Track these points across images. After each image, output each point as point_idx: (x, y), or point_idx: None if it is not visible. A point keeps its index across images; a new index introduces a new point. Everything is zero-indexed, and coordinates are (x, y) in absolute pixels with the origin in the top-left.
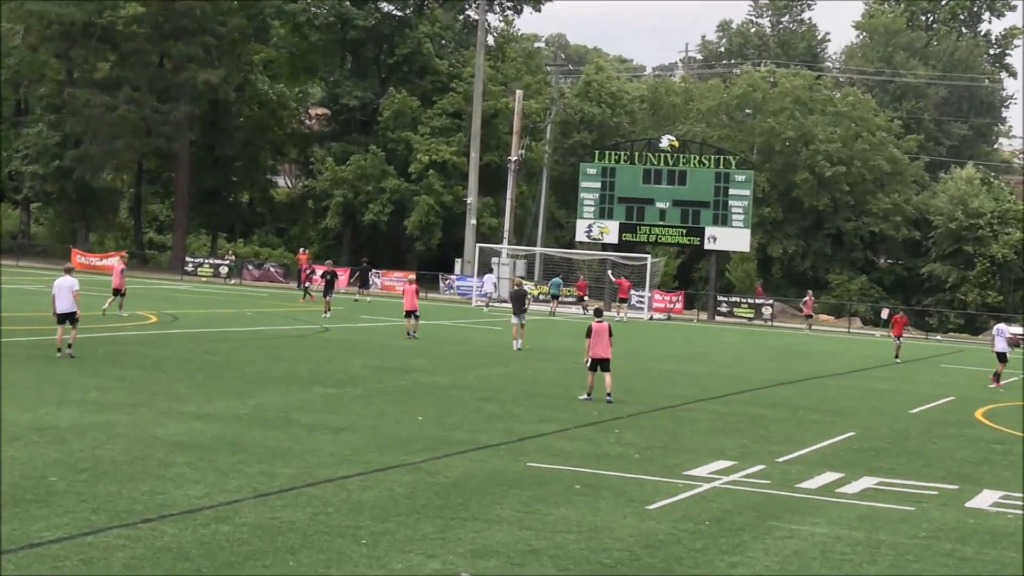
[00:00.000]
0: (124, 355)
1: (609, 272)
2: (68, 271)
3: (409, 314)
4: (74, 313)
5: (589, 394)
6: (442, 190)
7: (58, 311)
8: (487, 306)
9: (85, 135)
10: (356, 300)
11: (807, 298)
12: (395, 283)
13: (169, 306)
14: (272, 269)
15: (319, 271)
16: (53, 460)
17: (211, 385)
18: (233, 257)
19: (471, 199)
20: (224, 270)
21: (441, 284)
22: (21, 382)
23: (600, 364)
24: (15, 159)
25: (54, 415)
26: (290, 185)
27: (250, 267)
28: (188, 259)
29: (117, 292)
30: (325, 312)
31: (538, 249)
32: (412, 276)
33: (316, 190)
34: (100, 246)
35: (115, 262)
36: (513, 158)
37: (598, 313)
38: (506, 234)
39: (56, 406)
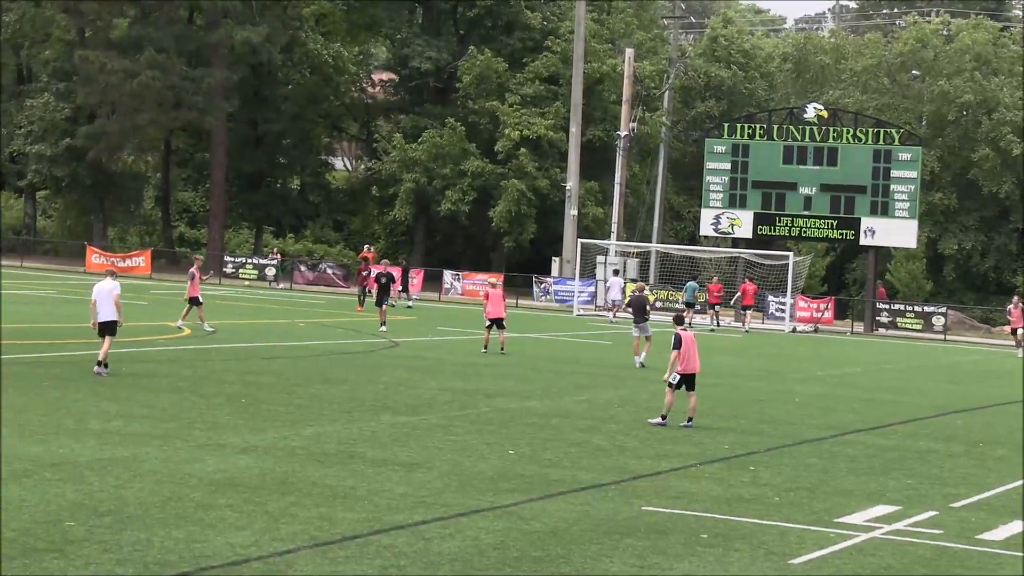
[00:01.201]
0: (153, 375)
1: (715, 277)
2: (111, 274)
3: (493, 324)
4: (115, 323)
5: (664, 417)
6: (536, 173)
7: (100, 320)
8: (613, 316)
9: (101, 107)
10: (409, 306)
11: (1015, 305)
12: (478, 287)
13: (205, 315)
14: (329, 270)
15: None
16: (70, 501)
17: (257, 412)
18: (280, 257)
19: (571, 184)
20: (271, 272)
21: (535, 288)
22: (31, 408)
23: (687, 381)
24: (17, 137)
25: (71, 448)
26: (350, 168)
27: (302, 268)
28: (227, 259)
29: (194, 302)
30: (381, 324)
31: (654, 246)
32: (497, 279)
33: (382, 174)
34: (121, 243)
35: (193, 268)
36: (623, 133)
37: (679, 320)
38: (614, 227)
39: (73, 437)
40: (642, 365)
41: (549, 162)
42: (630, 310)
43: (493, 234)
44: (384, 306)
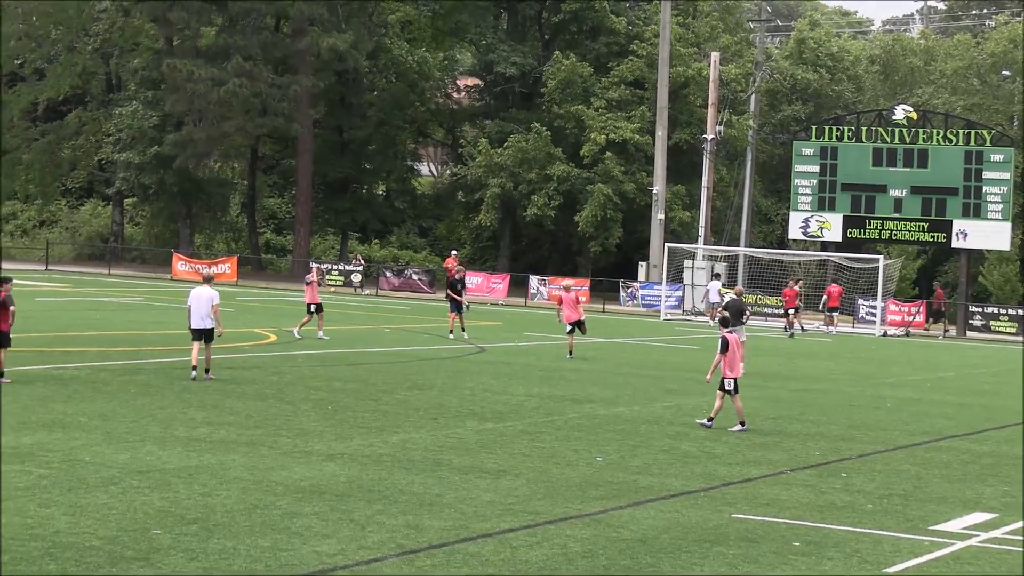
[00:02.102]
0: (239, 382)
1: (791, 281)
2: (207, 280)
3: (575, 327)
4: (212, 330)
5: (711, 419)
6: (622, 177)
7: (194, 325)
8: (712, 319)
9: (188, 115)
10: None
11: None
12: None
13: (291, 322)
14: (415, 276)
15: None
16: (157, 509)
17: (344, 419)
18: (363, 263)
19: (658, 188)
20: (356, 278)
21: (622, 293)
22: (118, 415)
23: (734, 385)
24: (106, 145)
25: (156, 455)
26: (435, 174)
27: (388, 274)
28: (313, 265)
29: (316, 308)
30: (451, 331)
31: (742, 249)
32: (569, 282)
33: (467, 179)
34: (207, 250)
35: (311, 275)
36: (709, 137)
37: (726, 322)
38: (702, 231)
39: (159, 444)
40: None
41: (635, 166)
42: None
43: (579, 239)
44: (458, 312)
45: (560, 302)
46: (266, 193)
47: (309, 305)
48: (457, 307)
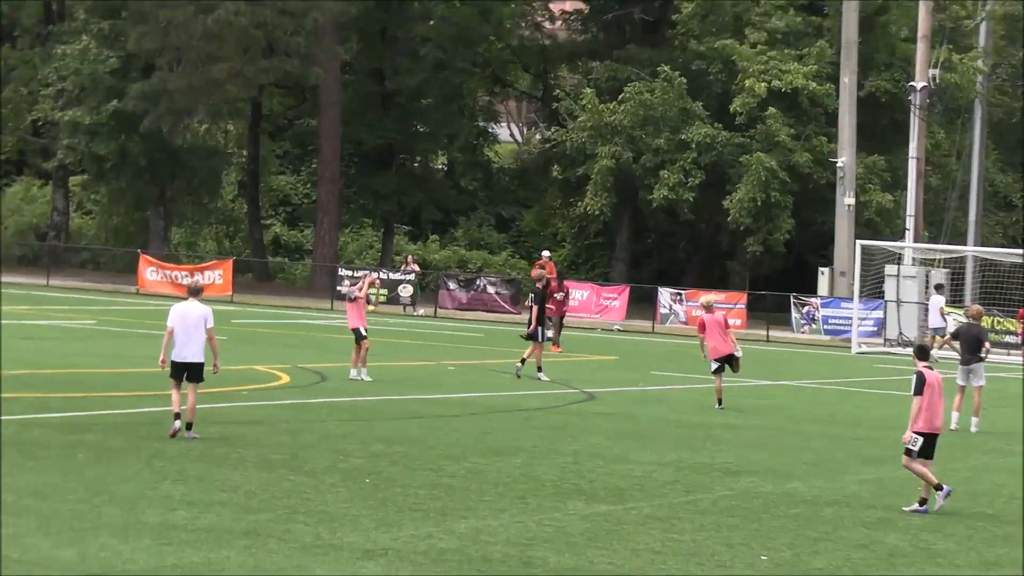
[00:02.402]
0: (235, 443)
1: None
2: (195, 293)
3: (723, 365)
4: (201, 365)
5: (923, 503)
6: (791, 144)
7: (176, 358)
8: (938, 347)
9: (161, 56)
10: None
11: None
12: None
13: (310, 355)
14: (491, 288)
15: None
16: None
17: (388, 497)
18: (417, 268)
19: (844, 159)
20: (406, 292)
21: (794, 314)
22: (59, 492)
23: (928, 444)
24: (43, 100)
25: (115, 551)
26: (519, 140)
27: (451, 285)
28: (342, 272)
29: (358, 336)
30: (536, 365)
31: (970, 249)
32: (712, 298)
33: (566, 147)
34: (189, 250)
35: (360, 284)
36: (919, 85)
37: (923, 354)
38: (910, 222)
39: (119, 535)
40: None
41: (811, 127)
42: (956, 344)
43: (731, 234)
44: (541, 338)
45: (702, 327)
46: (274, 168)
47: (356, 330)
48: (534, 336)
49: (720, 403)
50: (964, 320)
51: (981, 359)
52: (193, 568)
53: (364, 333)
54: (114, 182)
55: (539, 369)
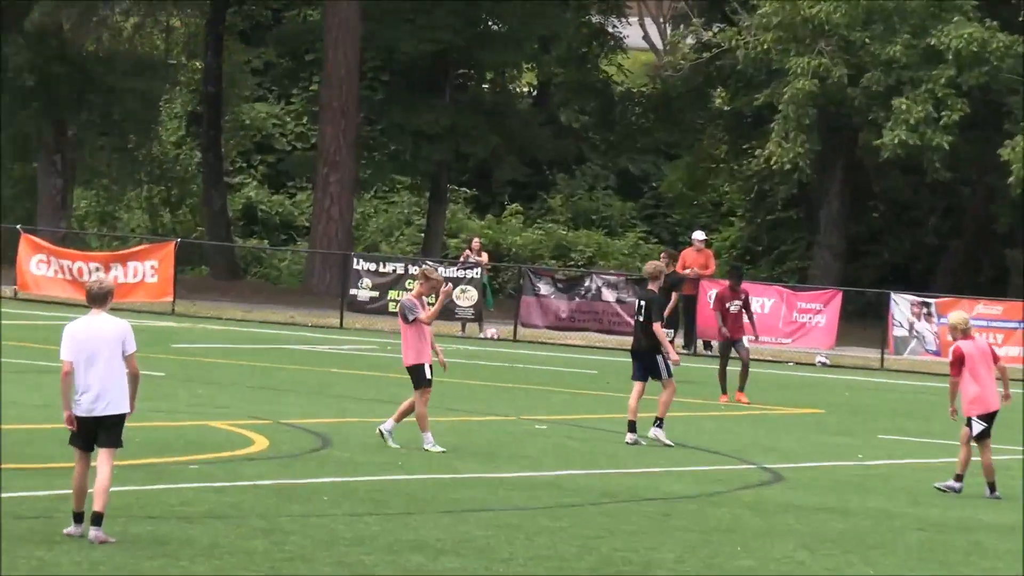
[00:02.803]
0: (176, 549)
1: None
2: (98, 299)
3: (985, 427)
4: (117, 420)
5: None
6: None
7: (82, 411)
8: None
9: None
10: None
11: None
12: (980, 331)
13: (303, 405)
14: (607, 293)
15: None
16: None
17: None
18: (485, 259)
19: None
20: (468, 299)
21: None
22: None
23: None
24: None
25: None
26: (660, 46)
27: (543, 289)
28: (358, 264)
29: (416, 377)
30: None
31: None
32: (963, 317)
33: (739, 60)
34: (106, 225)
35: (412, 295)
36: None
37: None
38: None
39: None
40: None
41: None
42: None
43: (1012, 204)
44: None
45: (959, 363)
46: (249, 92)
47: (418, 368)
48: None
49: (992, 490)
50: None
51: None
52: None
53: (429, 375)
54: None
55: (656, 423)
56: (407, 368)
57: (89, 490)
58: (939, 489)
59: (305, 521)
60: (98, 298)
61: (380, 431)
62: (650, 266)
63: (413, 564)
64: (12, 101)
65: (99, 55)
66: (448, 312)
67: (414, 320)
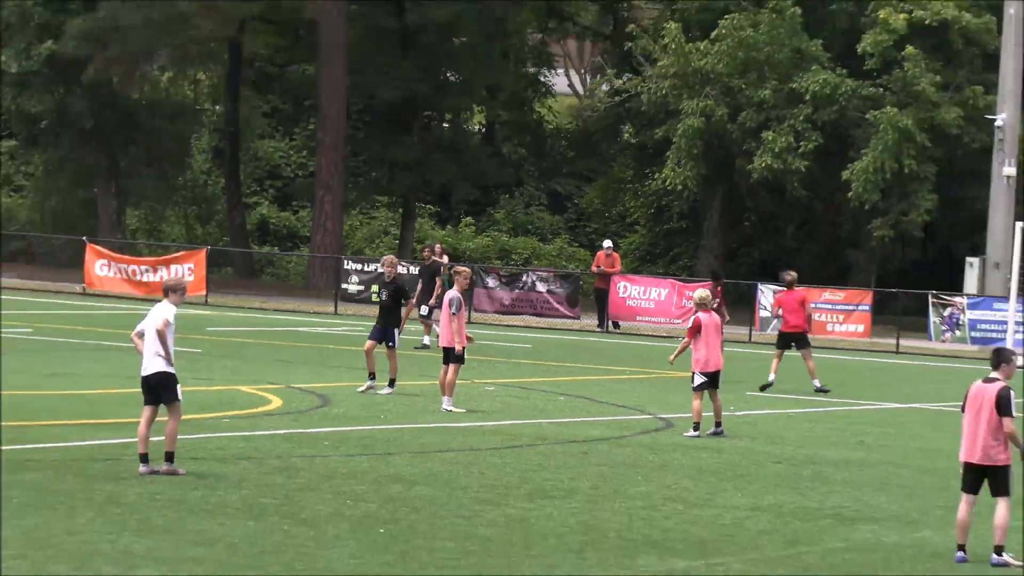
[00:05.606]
0: (214, 484)
1: None
2: (170, 291)
3: (710, 382)
4: (166, 377)
5: (696, 427)
6: (935, 95)
7: (142, 372)
8: None
9: None
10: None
11: None
12: (826, 313)
13: (308, 373)
14: (540, 287)
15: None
16: None
17: (409, 551)
18: (446, 260)
19: (1005, 116)
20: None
21: (933, 318)
22: None
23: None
24: None
25: None
26: (582, 92)
27: (489, 282)
28: (348, 264)
29: (452, 357)
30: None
31: None
32: (705, 293)
33: (642, 101)
34: (150, 237)
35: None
36: None
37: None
38: None
39: None
40: None
41: (962, 74)
42: None
43: (853, 215)
44: (390, 345)
45: (696, 330)
46: (260, 131)
47: (450, 349)
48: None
49: (697, 428)
50: None
51: None
52: None
53: (461, 355)
54: (51, 150)
55: (389, 384)
56: (443, 348)
57: (157, 437)
58: (687, 436)
59: (311, 460)
60: (170, 289)
61: (445, 408)
62: (387, 261)
63: (394, 492)
64: (75, 140)
65: (142, 102)
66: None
67: (457, 312)
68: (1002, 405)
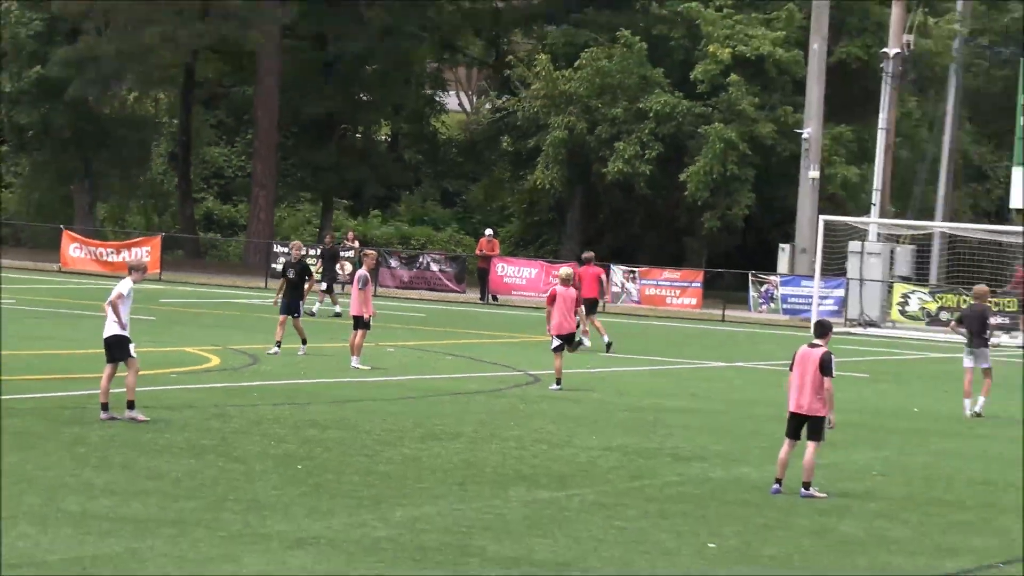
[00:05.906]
0: (162, 428)
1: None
2: (132, 269)
3: (564, 344)
4: (119, 340)
5: (559, 382)
6: (755, 113)
7: (104, 335)
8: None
9: (87, 19)
10: (314, 313)
11: None
12: (665, 289)
13: (242, 336)
14: (434, 266)
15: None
16: None
17: (321, 484)
18: (357, 245)
19: (810, 130)
20: (345, 269)
21: (752, 292)
22: None
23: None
24: None
25: (34, 541)
26: (469, 109)
27: (392, 263)
28: (278, 248)
29: (361, 324)
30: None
31: (937, 225)
32: (568, 271)
33: (518, 117)
34: (117, 226)
35: (364, 269)
36: (892, 51)
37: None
38: (876, 197)
39: (39, 523)
40: (976, 414)
41: (776, 97)
42: (961, 328)
43: (688, 209)
44: (295, 315)
45: (551, 300)
46: (208, 139)
47: (360, 317)
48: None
49: (559, 383)
50: (970, 304)
51: (985, 342)
52: (115, 559)
53: (368, 323)
54: (36, 154)
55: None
56: (353, 316)
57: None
58: (551, 389)
59: (242, 409)
60: (133, 268)
61: (354, 366)
62: (294, 245)
63: (310, 435)
64: (57, 146)
65: (112, 116)
66: (332, 278)
67: (364, 287)
68: (825, 366)
